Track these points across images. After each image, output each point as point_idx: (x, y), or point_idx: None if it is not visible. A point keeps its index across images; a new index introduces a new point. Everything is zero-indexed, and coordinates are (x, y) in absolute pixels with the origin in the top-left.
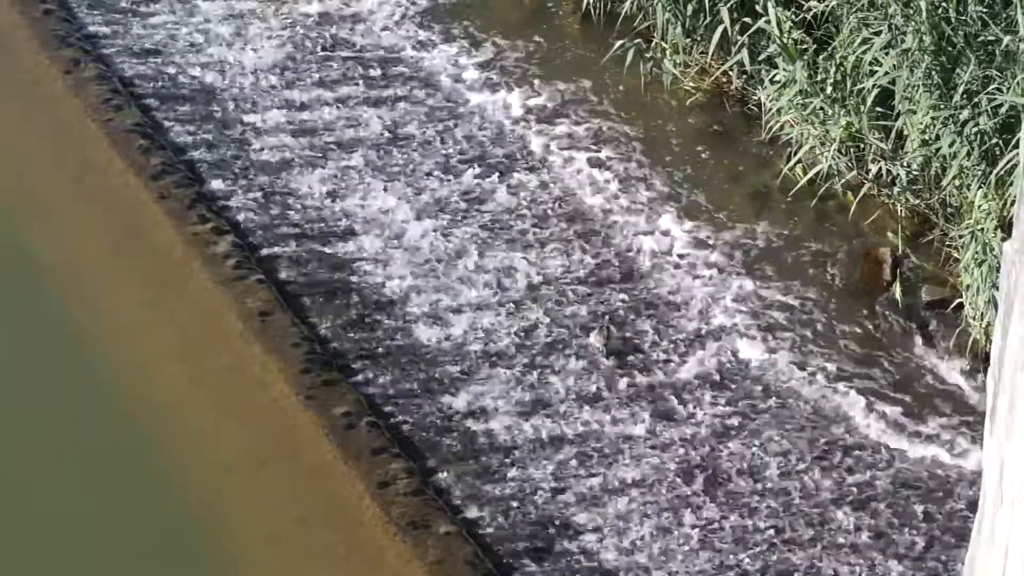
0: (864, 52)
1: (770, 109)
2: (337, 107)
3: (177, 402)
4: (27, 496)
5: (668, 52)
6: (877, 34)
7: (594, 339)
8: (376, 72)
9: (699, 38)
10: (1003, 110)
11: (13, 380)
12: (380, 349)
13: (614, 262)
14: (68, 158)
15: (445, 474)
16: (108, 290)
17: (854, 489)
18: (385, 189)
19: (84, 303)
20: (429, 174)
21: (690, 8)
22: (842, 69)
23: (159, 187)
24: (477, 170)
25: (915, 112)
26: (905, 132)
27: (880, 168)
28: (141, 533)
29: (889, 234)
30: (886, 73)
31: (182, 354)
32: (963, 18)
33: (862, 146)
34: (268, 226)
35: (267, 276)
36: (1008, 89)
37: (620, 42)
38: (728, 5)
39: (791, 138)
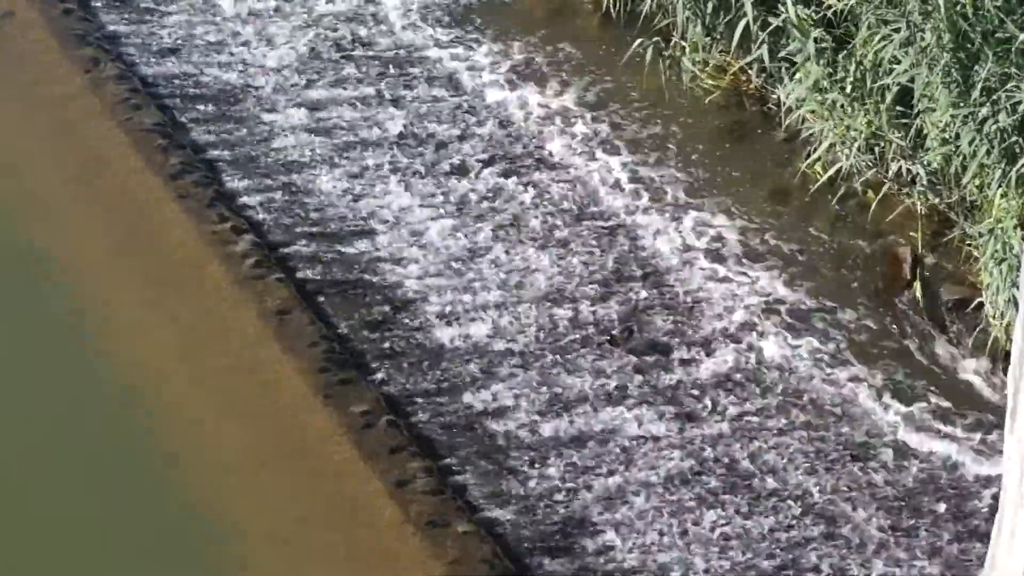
0: (883, 50)
1: (788, 105)
2: (356, 106)
3: (191, 400)
4: (45, 495)
5: (688, 50)
6: (896, 31)
7: (614, 338)
8: (395, 71)
9: (719, 36)
10: (1022, 108)
11: (20, 378)
12: (399, 348)
13: (634, 261)
14: (86, 157)
15: (464, 473)
16: (123, 288)
17: (873, 487)
18: (404, 188)
19: (100, 301)
20: (448, 173)
21: (710, 6)
22: (861, 67)
23: (178, 186)
24: (496, 169)
25: (934, 110)
26: (924, 130)
27: (900, 167)
28: (160, 533)
29: (909, 233)
30: (905, 71)
31: (199, 352)
32: (980, 14)
33: (882, 144)
34: (287, 225)
35: (286, 275)
36: None
37: (639, 40)
38: (751, 0)
39: (810, 136)
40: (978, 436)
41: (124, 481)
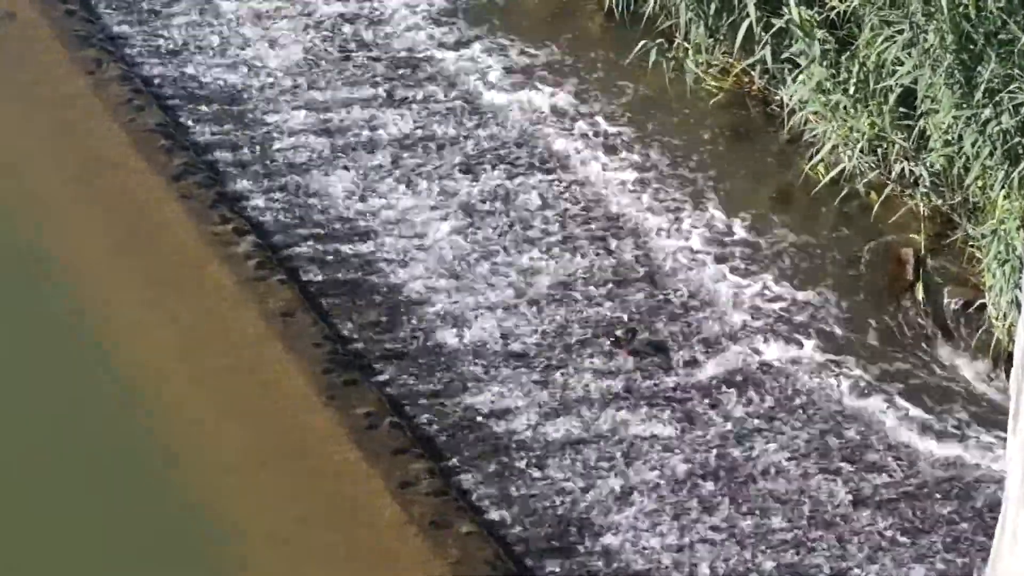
0: (886, 51)
1: (791, 106)
2: (359, 107)
3: (197, 401)
4: (45, 495)
5: (691, 52)
6: (899, 33)
7: (618, 339)
8: (398, 72)
9: (722, 37)
10: None
11: (36, 377)
12: (402, 349)
13: (637, 262)
14: (89, 158)
15: (467, 474)
16: (126, 289)
17: (877, 489)
18: (408, 189)
19: (103, 302)
20: (451, 174)
21: (713, 7)
22: (864, 69)
23: (180, 187)
24: (500, 170)
25: (937, 111)
26: (927, 132)
27: (903, 168)
28: (160, 533)
29: (912, 234)
30: (908, 72)
31: (203, 353)
32: (983, 15)
33: (885, 146)
34: (290, 226)
35: (289, 276)
36: None
37: (643, 42)
38: (753, 2)
39: (813, 137)
40: (980, 437)
41: (124, 481)
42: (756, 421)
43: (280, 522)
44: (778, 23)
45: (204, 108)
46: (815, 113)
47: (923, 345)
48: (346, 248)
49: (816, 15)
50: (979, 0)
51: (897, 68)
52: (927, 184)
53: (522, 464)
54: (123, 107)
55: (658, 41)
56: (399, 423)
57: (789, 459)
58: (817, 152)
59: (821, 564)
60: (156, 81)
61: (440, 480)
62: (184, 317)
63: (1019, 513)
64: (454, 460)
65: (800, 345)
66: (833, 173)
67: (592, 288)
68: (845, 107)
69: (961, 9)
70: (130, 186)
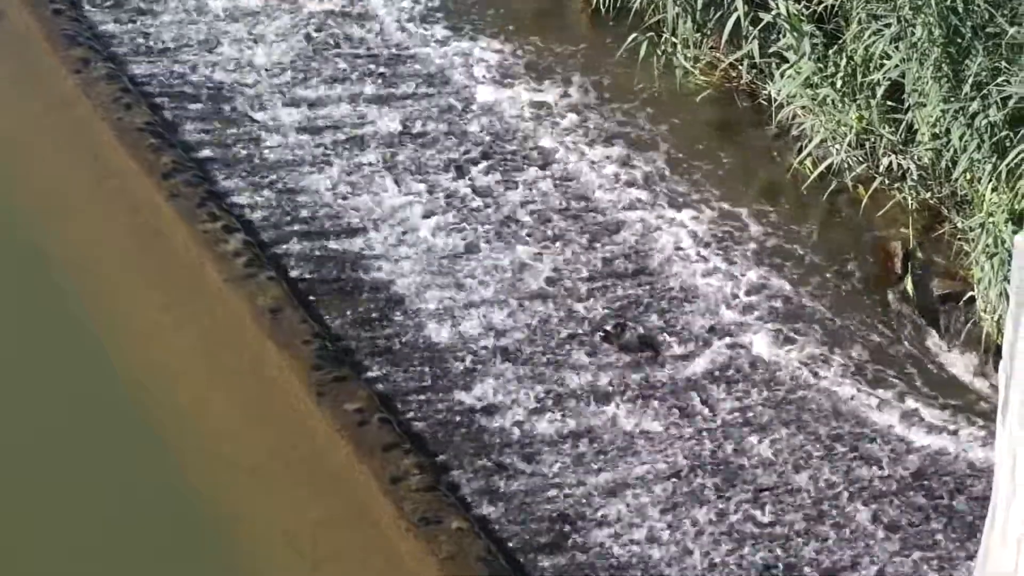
0: (873, 45)
1: (779, 100)
2: (346, 104)
3: (188, 401)
4: (39, 499)
5: (679, 47)
6: (887, 26)
7: (607, 334)
8: (385, 69)
9: (709, 32)
10: (1012, 102)
11: (29, 380)
12: (391, 345)
13: (625, 257)
14: (77, 157)
15: (457, 470)
16: (119, 289)
17: (865, 482)
18: (395, 186)
19: (95, 303)
20: (439, 171)
21: (700, 1)
22: (852, 62)
23: (169, 185)
24: (487, 166)
25: (925, 105)
26: (915, 125)
27: (891, 162)
28: (160, 534)
29: (900, 227)
30: (896, 66)
31: (193, 352)
32: (970, 8)
33: (873, 139)
34: (278, 224)
35: (277, 273)
36: (1017, 80)
37: (632, 36)
38: None
39: (801, 131)
40: (969, 429)
41: (127, 483)
42: (744, 415)
43: (272, 521)
44: (766, 17)
45: (192, 106)
46: (803, 107)
47: (911, 338)
48: (334, 245)
49: (804, 9)
50: None
51: (885, 62)
52: (915, 178)
53: (512, 459)
54: (111, 106)
55: (648, 36)
56: (388, 419)
57: (777, 453)
58: (805, 146)
59: (812, 556)
60: (144, 79)
61: (431, 476)
62: (175, 316)
63: (1009, 505)
64: (444, 456)
65: (789, 339)
66: (821, 167)
67: (580, 283)
68: (833, 101)
69: (948, 2)
70: (117, 184)
